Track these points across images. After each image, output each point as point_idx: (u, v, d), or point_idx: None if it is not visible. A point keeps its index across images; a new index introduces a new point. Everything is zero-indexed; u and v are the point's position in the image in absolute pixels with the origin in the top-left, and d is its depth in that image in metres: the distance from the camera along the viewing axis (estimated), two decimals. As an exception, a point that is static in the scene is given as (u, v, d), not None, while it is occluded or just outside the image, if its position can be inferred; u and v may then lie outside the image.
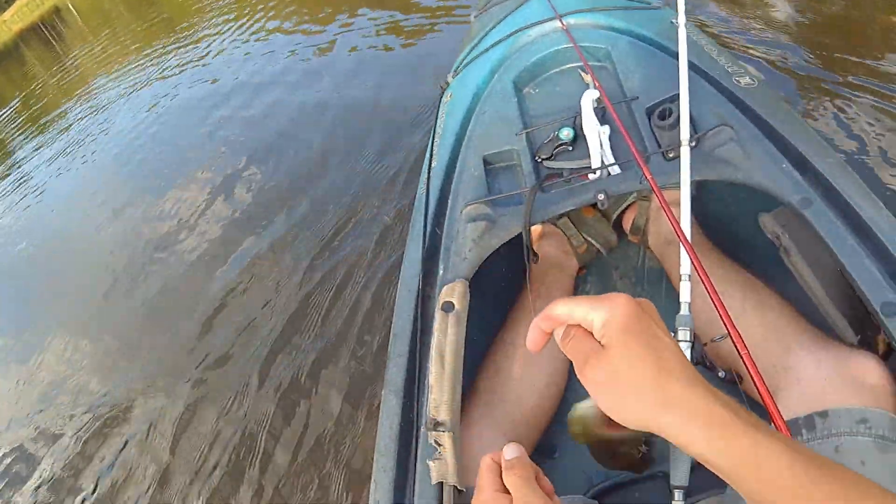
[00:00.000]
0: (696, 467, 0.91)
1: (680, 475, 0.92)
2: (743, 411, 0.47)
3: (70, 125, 6.43)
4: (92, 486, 2.20)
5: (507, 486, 0.62)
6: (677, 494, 0.90)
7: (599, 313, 0.51)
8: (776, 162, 1.19)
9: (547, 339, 0.58)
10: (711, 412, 0.46)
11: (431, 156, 1.54)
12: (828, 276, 1.13)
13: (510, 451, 0.65)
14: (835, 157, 1.16)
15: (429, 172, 1.49)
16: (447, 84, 1.83)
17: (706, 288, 0.78)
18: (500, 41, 1.75)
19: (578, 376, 0.53)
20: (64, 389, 2.75)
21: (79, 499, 2.19)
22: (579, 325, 0.54)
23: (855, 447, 0.84)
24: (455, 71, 1.86)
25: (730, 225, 1.54)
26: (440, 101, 1.75)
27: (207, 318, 2.66)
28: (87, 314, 3.24)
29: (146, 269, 3.31)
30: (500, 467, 0.64)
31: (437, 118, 1.67)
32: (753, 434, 0.45)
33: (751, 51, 2.78)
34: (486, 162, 1.45)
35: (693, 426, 0.46)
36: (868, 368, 0.99)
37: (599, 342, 0.52)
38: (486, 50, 1.78)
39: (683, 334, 0.94)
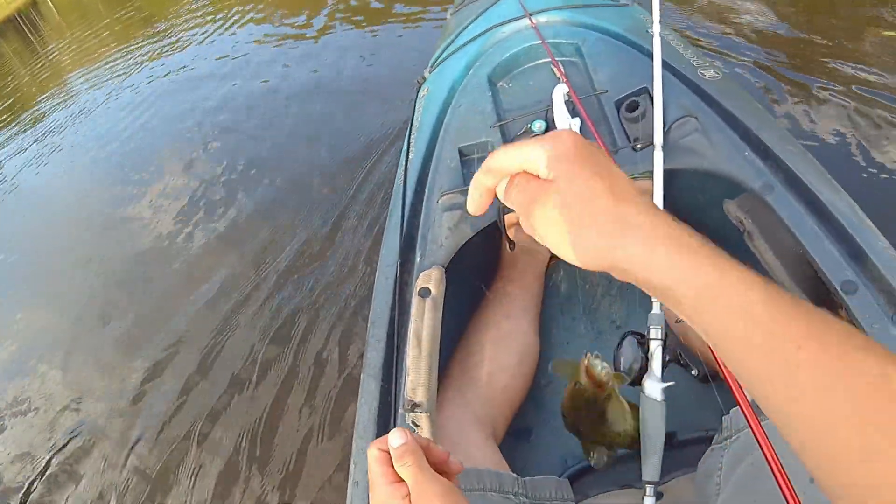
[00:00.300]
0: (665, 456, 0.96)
1: (651, 470, 0.95)
2: (710, 242, 0.42)
3: (45, 121, 6.33)
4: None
5: (402, 477, 0.60)
6: (648, 490, 0.93)
7: (543, 149, 0.45)
8: (739, 150, 1.23)
9: (491, 199, 0.51)
10: (674, 235, 0.41)
11: (409, 148, 1.57)
12: (790, 259, 1.18)
13: (396, 439, 0.61)
14: (795, 145, 1.21)
15: (406, 164, 1.52)
16: (424, 79, 1.86)
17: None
18: (475, 38, 1.79)
19: (525, 224, 0.48)
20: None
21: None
22: (523, 173, 0.48)
23: None
24: (431, 66, 1.89)
25: (697, 213, 1.59)
26: (417, 96, 1.79)
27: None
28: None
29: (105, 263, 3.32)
30: (390, 456, 0.61)
31: (413, 111, 1.70)
32: (722, 261, 0.40)
33: (718, 50, 2.86)
34: (461, 153, 1.48)
35: (655, 250, 0.41)
36: None
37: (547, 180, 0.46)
38: (462, 46, 1.81)
39: (656, 332, 0.98)
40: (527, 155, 0.46)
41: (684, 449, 1.11)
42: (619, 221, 0.42)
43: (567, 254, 0.45)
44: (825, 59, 2.60)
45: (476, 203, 0.51)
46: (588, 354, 0.99)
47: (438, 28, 3.81)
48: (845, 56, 2.58)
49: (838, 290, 0.99)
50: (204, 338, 2.45)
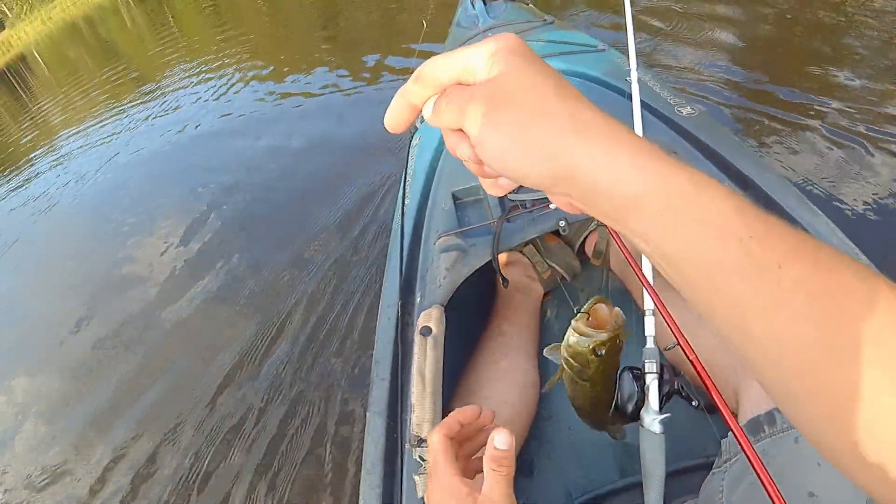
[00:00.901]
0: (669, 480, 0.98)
1: (653, 497, 0.97)
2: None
3: (35, 175, 6.39)
4: None
5: (487, 479, 0.56)
6: None
7: (483, 48, 0.38)
8: (719, 181, 1.30)
9: (414, 115, 0.42)
10: (635, 139, 0.35)
11: (404, 194, 1.63)
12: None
13: (503, 441, 0.57)
14: (772, 172, 1.28)
15: (403, 209, 1.58)
16: (416, 128, 1.93)
17: (658, 308, 0.85)
18: None
19: (462, 127, 0.39)
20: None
21: None
22: (457, 83, 0.39)
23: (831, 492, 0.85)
24: (422, 116, 1.96)
25: None
26: (410, 144, 1.86)
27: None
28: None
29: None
30: (454, 446, 0.60)
31: (407, 159, 1.77)
32: (691, 170, 0.34)
33: (692, 90, 2.97)
34: (454, 197, 1.55)
35: (617, 152, 0.34)
36: None
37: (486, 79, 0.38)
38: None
39: (650, 366, 1.00)
40: (465, 57, 0.38)
41: (686, 476, 1.13)
42: (573, 118, 0.35)
43: (512, 160, 0.36)
44: (793, 91, 2.72)
45: (395, 115, 0.42)
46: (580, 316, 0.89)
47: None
48: (811, 88, 2.70)
49: None
50: (210, 390, 2.46)
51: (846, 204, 2.06)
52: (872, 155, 2.24)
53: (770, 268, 0.31)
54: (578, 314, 0.88)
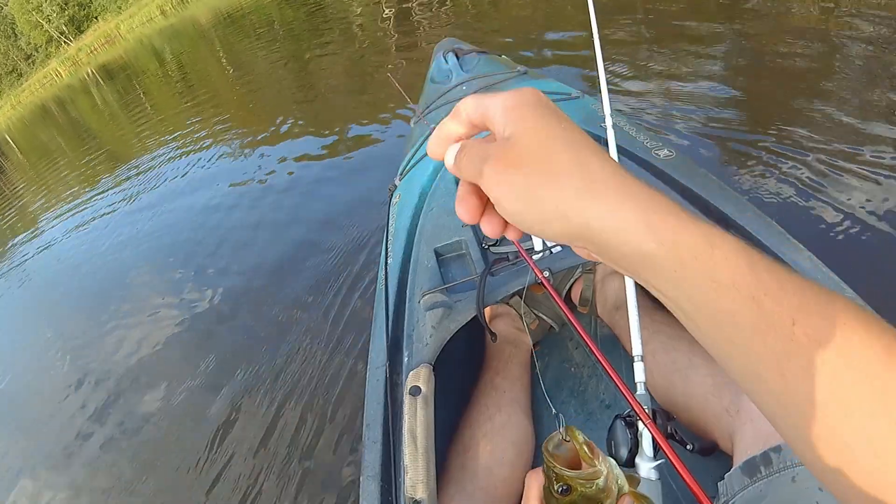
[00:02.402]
0: None
1: None
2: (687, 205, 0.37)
3: (12, 262, 6.32)
4: None
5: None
6: None
7: (500, 99, 0.40)
8: None
9: (447, 146, 0.45)
10: (648, 195, 0.35)
11: (387, 252, 1.63)
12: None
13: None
14: (754, 211, 1.30)
15: (386, 268, 1.58)
16: (395, 186, 1.95)
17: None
18: None
19: (479, 182, 0.40)
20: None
21: None
22: (474, 140, 0.43)
23: (811, 475, 0.89)
24: (401, 174, 1.99)
25: None
26: (389, 203, 1.87)
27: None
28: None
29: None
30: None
31: (388, 217, 1.78)
32: (704, 224, 0.35)
33: (667, 130, 3.05)
34: (437, 254, 1.55)
35: (627, 209, 0.35)
36: None
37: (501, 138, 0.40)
38: (426, 154, 1.90)
39: (642, 411, 0.97)
40: (488, 106, 0.41)
41: None
42: (584, 176, 0.36)
43: (528, 220, 0.38)
44: (771, 129, 2.80)
45: (434, 145, 0.45)
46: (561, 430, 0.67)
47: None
48: (790, 122, 2.78)
49: None
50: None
51: (829, 235, 2.10)
52: (854, 183, 2.30)
53: (783, 323, 0.32)
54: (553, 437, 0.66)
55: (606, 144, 1.48)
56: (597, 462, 0.63)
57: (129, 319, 3.86)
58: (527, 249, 1.47)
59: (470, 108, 0.42)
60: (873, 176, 2.26)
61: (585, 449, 0.63)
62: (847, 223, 2.10)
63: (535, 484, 0.62)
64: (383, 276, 1.57)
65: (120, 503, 2.43)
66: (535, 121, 0.38)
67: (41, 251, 6.23)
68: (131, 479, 2.50)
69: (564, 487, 0.62)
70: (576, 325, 1.05)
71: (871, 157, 2.35)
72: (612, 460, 0.66)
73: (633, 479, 0.69)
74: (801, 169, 2.43)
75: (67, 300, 4.75)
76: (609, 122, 1.49)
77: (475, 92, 1.98)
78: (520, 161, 0.37)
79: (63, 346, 4.00)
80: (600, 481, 0.62)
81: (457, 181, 1.74)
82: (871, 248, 1.98)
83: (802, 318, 0.31)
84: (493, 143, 0.39)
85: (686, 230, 0.34)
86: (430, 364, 1.29)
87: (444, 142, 0.44)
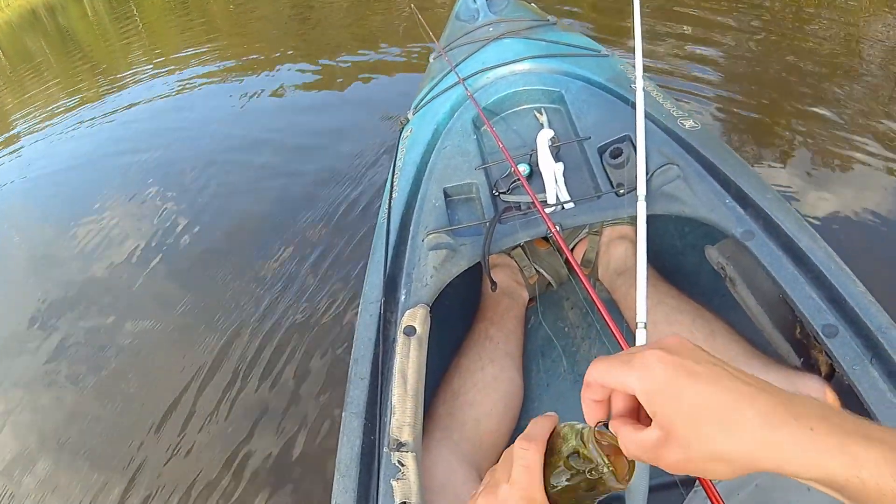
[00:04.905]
0: None
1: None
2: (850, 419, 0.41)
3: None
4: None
5: (515, 463, 0.55)
6: None
7: (633, 380, 0.46)
8: (720, 197, 1.28)
9: (604, 407, 0.52)
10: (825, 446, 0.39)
11: (392, 187, 1.56)
12: (771, 303, 1.21)
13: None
14: (773, 193, 1.26)
15: (390, 202, 1.52)
16: (407, 120, 1.87)
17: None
18: (458, 82, 1.82)
19: (646, 458, 0.47)
20: None
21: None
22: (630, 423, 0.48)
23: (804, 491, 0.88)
24: (415, 108, 1.92)
25: (675, 256, 1.63)
26: (400, 136, 1.79)
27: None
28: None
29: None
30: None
31: (397, 152, 1.71)
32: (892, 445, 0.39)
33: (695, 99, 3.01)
34: (446, 194, 1.49)
35: (811, 460, 0.39)
36: (812, 389, 1.07)
37: (654, 419, 0.45)
38: (446, 90, 1.85)
39: None
40: (620, 381, 0.47)
41: (669, 492, 1.09)
42: (757, 441, 0.41)
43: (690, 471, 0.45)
44: (794, 112, 2.77)
45: (589, 414, 0.52)
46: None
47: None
48: (813, 103, 2.76)
49: (819, 333, 1.02)
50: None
51: (843, 224, 2.10)
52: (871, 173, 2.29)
53: None
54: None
55: (634, 106, 1.43)
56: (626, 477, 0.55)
57: (98, 240, 3.65)
58: (539, 202, 1.42)
59: (600, 378, 0.49)
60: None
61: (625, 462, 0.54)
62: (862, 214, 2.10)
63: (535, 454, 0.55)
64: (386, 210, 1.50)
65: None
66: (687, 410, 0.43)
67: (12, 156, 5.99)
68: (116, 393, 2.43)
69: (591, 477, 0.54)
70: (585, 283, 1.00)
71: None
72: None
73: None
74: (817, 152, 2.42)
75: (41, 208, 4.56)
76: (640, 83, 1.44)
77: (502, 35, 1.94)
78: (678, 441, 0.43)
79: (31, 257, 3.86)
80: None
81: (474, 122, 1.68)
82: (882, 241, 1.98)
83: None
84: (656, 437, 0.45)
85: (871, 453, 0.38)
86: (428, 305, 1.25)
87: (594, 407, 0.52)
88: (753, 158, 2.49)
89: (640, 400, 0.46)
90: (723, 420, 0.42)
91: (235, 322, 2.48)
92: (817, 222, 2.11)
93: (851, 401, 0.96)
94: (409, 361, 1.14)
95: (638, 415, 0.50)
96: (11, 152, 6.03)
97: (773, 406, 0.41)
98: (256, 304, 2.53)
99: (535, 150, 1.50)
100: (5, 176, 5.35)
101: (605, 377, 0.48)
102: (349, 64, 5.06)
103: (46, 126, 6.40)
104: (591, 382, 0.50)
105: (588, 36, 2.10)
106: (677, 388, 0.43)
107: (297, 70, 5.33)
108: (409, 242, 1.41)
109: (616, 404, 0.51)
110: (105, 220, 3.77)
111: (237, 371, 2.25)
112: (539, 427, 0.57)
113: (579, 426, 0.56)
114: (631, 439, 0.47)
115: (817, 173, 2.34)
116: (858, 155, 2.39)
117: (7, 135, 6.94)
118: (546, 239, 1.61)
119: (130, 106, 5.93)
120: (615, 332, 0.83)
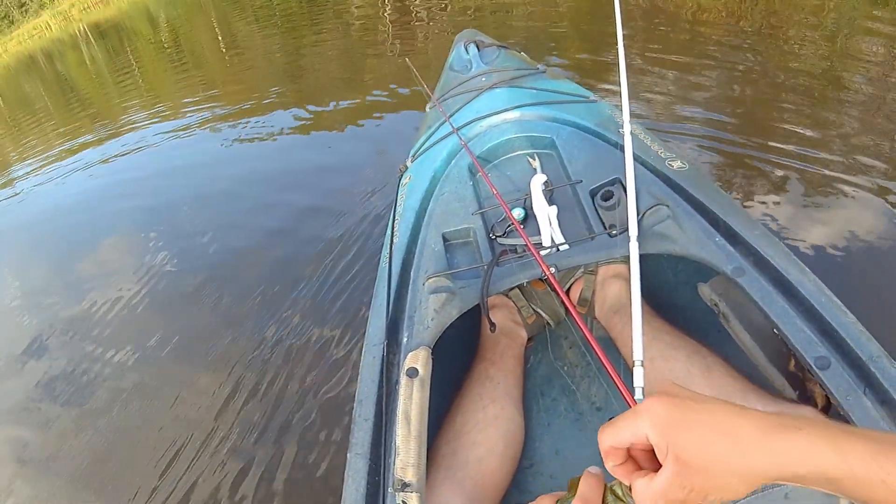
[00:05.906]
0: None
1: None
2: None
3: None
4: None
5: None
6: None
7: (644, 425, 0.51)
8: (709, 235, 1.32)
9: (633, 465, 0.56)
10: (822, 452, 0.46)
11: (392, 232, 1.61)
12: (764, 338, 1.24)
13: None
14: (761, 229, 1.31)
15: (391, 248, 1.56)
16: (406, 167, 1.93)
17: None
18: (452, 132, 1.88)
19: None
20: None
21: None
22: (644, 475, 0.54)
23: (804, 492, 0.88)
24: (413, 156, 1.98)
25: (669, 293, 1.67)
26: (399, 183, 1.85)
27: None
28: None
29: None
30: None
31: (396, 198, 1.76)
32: (873, 439, 0.45)
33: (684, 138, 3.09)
34: (445, 238, 1.54)
35: (816, 459, 0.46)
36: None
37: (669, 453, 0.51)
38: (442, 139, 1.91)
39: None
40: (631, 436, 0.53)
41: None
42: (762, 460, 0.47)
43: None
44: (777, 147, 2.85)
45: (625, 478, 0.57)
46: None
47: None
48: (795, 142, 2.84)
49: (812, 366, 1.04)
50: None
51: (830, 254, 2.15)
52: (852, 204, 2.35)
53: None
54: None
55: (622, 150, 1.48)
56: None
57: (95, 281, 3.70)
58: (534, 244, 1.47)
59: (612, 441, 0.54)
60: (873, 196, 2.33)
61: None
62: (848, 243, 2.15)
63: None
64: (387, 255, 1.55)
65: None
66: (696, 441, 0.49)
67: (9, 200, 6.03)
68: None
69: None
70: (580, 324, 1.04)
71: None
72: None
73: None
74: (801, 185, 2.49)
75: (40, 248, 4.59)
76: (627, 128, 1.49)
77: (494, 85, 2.01)
78: (697, 472, 0.49)
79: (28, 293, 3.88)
80: None
81: (470, 169, 1.73)
82: (869, 268, 2.03)
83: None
84: (672, 476, 0.50)
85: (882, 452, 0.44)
86: (430, 347, 1.28)
87: (618, 469, 0.56)
88: (743, 195, 2.55)
89: (652, 441, 0.51)
90: (727, 437, 0.48)
91: (234, 359, 2.53)
92: (808, 252, 2.15)
93: None
94: (412, 403, 1.17)
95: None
96: (10, 196, 6.09)
97: (766, 419, 0.48)
98: (258, 346, 2.56)
99: (529, 194, 1.56)
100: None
101: (617, 437, 0.53)
102: (342, 107, 5.16)
103: (43, 170, 6.47)
104: (607, 450, 0.55)
105: (576, 83, 2.18)
106: (684, 418, 0.49)
107: (290, 115, 5.43)
108: (410, 286, 1.45)
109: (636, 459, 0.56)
110: (101, 259, 3.86)
111: (237, 391, 2.31)
112: (591, 489, 0.62)
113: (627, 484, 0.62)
114: (645, 486, 0.53)
115: (805, 206, 2.40)
116: (845, 188, 2.44)
117: (3, 179, 7.01)
118: (543, 279, 1.65)
119: (124, 153, 6.01)
120: (611, 372, 0.86)
